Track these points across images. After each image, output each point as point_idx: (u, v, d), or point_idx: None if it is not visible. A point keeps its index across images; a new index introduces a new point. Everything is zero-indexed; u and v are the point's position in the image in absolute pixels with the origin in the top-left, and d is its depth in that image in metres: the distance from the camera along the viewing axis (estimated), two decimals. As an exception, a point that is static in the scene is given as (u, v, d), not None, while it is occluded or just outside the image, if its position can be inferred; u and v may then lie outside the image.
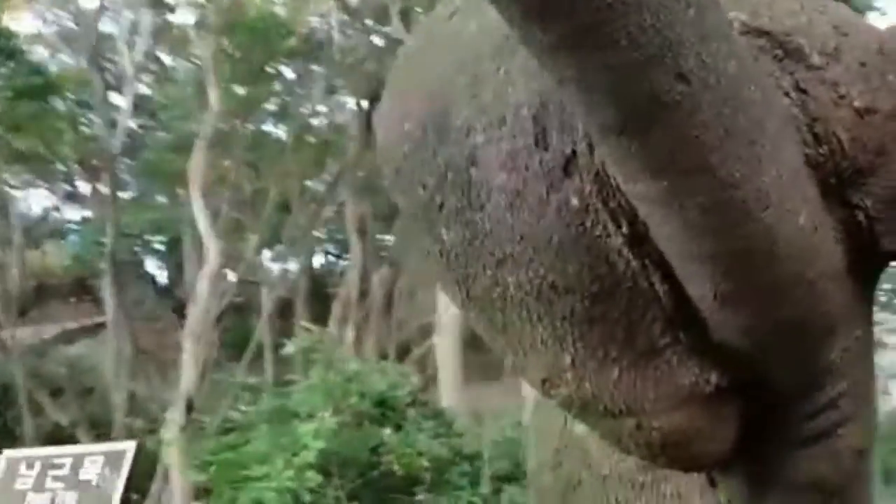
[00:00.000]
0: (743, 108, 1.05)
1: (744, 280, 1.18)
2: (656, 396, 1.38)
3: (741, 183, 1.07)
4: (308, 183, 23.14)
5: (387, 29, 19.62)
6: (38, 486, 2.93)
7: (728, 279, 1.18)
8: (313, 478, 5.36)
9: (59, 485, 2.85)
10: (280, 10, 17.30)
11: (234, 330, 18.63)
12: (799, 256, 1.18)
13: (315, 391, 5.88)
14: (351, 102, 21.87)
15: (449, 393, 8.51)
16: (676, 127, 1.01)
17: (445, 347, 10.88)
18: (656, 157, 1.04)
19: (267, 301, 17.67)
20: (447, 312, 11.59)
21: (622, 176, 1.12)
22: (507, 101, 1.29)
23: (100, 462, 2.87)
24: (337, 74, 21.32)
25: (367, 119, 20.40)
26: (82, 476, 2.93)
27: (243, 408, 6.38)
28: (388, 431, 5.90)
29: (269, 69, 18.24)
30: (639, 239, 1.23)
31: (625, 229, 1.22)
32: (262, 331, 16.92)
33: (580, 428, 1.96)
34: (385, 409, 6.26)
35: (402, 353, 17.62)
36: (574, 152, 1.23)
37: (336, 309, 20.84)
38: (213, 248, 9.71)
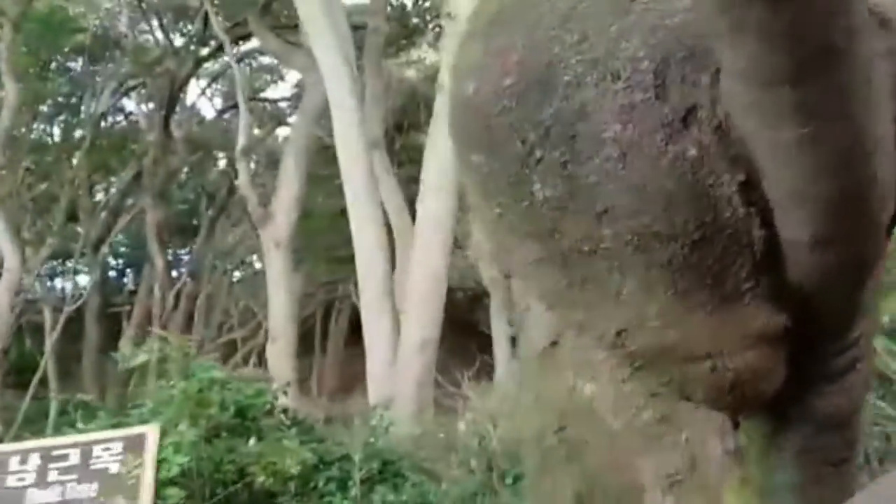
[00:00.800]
0: (872, 64, 1.20)
1: (840, 222, 1.33)
2: (734, 338, 1.50)
3: (868, 130, 1.21)
4: (99, 189, 21.40)
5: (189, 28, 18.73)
6: (41, 481, 2.48)
7: (828, 221, 1.32)
8: (176, 494, 4.99)
9: (69, 476, 2.43)
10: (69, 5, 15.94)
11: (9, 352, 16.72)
12: (881, 203, 1.36)
13: (170, 404, 5.48)
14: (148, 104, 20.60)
15: (289, 401, 8.28)
16: (839, 76, 1.13)
17: (278, 354, 10.62)
18: (813, 104, 1.15)
19: (51, 319, 16.08)
20: (281, 319, 11.32)
21: (763, 124, 1.22)
22: (622, 56, 1.34)
23: (118, 448, 2.49)
24: (131, 74, 19.96)
25: (164, 121, 19.30)
26: (95, 465, 2.52)
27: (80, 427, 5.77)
28: (252, 442, 5.65)
29: (56, 65, 16.73)
30: (750, 186, 1.34)
31: (740, 177, 1.33)
32: (49, 352, 15.38)
33: (589, 389, 2.05)
34: (245, 419, 5.99)
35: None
36: (695, 105, 1.31)
37: (132, 326, 19.42)
38: (11, 258, 8.68)
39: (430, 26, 18.55)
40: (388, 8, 14.31)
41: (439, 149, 8.39)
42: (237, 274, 23.56)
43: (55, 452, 2.10)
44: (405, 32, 18.09)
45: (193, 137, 21.19)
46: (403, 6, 17.73)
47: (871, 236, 1.40)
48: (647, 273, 1.45)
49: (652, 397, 1.92)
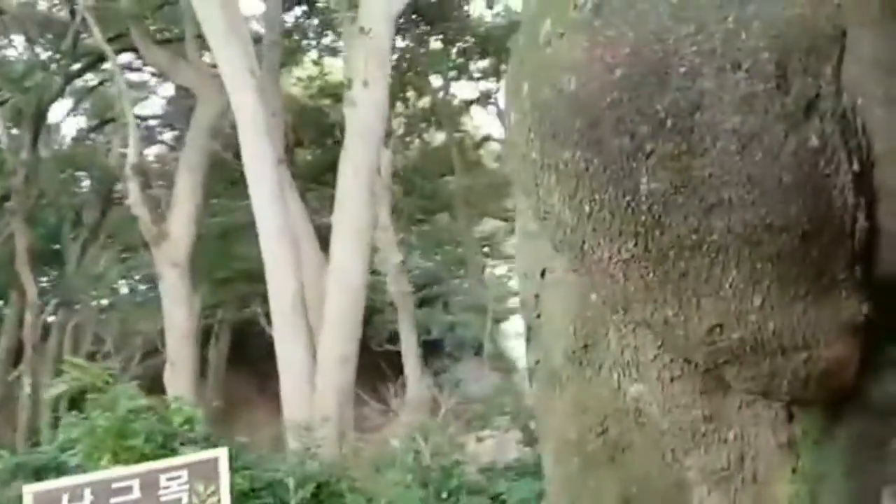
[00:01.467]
0: None
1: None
2: (829, 328, 1.52)
3: None
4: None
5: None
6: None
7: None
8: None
9: (135, 510, 2.10)
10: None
11: None
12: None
13: (88, 436, 5.05)
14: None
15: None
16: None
17: (176, 377, 10.06)
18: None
19: None
20: (179, 342, 10.73)
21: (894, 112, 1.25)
22: (741, 46, 1.34)
23: (184, 476, 2.15)
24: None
25: (33, 140, 17.99)
26: (164, 497, 2.17)
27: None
28: (181, 472, 5.28)
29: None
30: (864, 176, 1.36)
31: (856, 166, 1.35)
32: None
33: (635, 390, 2.04)
34: (167, 450, 5.60)
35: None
36: (818, 95, 1.32)
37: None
38: None
39: (316, 43, 18.32)
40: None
41: (356, 160, 8.24)
42: (106, 301, 22.10)
43: (115, 485, 1.86)
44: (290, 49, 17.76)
45: (62, 157, 19.91)
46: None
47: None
48: (754, 266, 1.44)
49: (701, 395, 1.92)
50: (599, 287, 1.73)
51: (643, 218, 1.47)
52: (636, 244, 1.51)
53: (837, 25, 1.30)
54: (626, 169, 1.43)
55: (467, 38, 15.88)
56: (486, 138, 18.81)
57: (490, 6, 15.09)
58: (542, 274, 2.35)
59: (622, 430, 2.07)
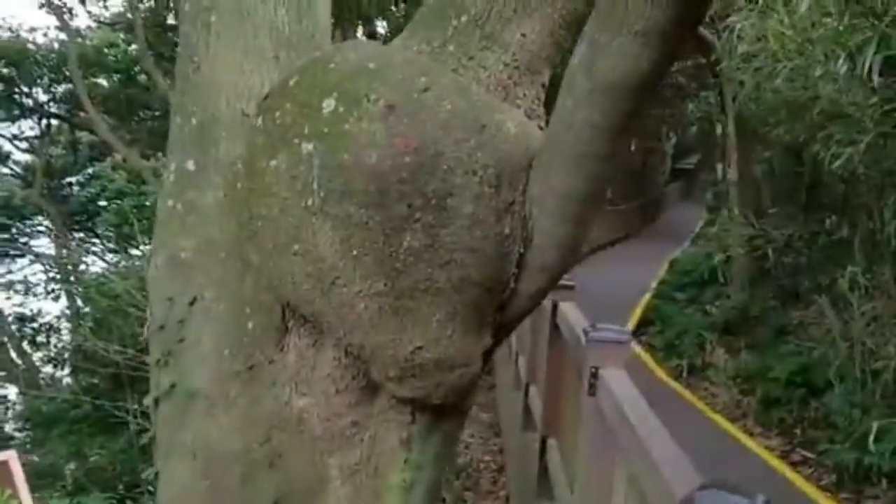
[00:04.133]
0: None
1: (549, 284, 2.27)
2: (476, 353, 2.25)
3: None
4: None
5: None
6: None
7: (549, 283, 2.25)
8: None
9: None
10: None
11: None
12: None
13: None
14: None
15: None
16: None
17: None
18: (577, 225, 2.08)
19: None
20: None
21: (546, 223, 2.08)
22: (477, 160, 2.02)
23: None
24: None
25: None
26: None
27: None
28: None
29: None
30: (522, 256, 2.15)
31: (522, 249, 2.14)
32: None
33: (302, 402, 2.46)
34: None
35: None
36: (513, 201, 2.07)
37: None
38: None
39: None
40: None
41: None
42: None
43: None
44: None
45: None
46: None
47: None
48: (454, 307, 2.10)
49: (354, 406, 2.48)
50: (334, 315, 2.14)
51: (397, 265, 2.00)
52: (385, 284, 2.02)
53: (529, 160, 2.08)
54: (397, 228, 1.95)
55: None
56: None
57: None
58: (192, 302, 2.57)
59: (283, 438, 2.45)
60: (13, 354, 15.26)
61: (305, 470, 2.47)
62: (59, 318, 17.18)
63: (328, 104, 2.02)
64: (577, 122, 1.88)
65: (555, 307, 3.90)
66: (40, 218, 22.12)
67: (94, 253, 22.95)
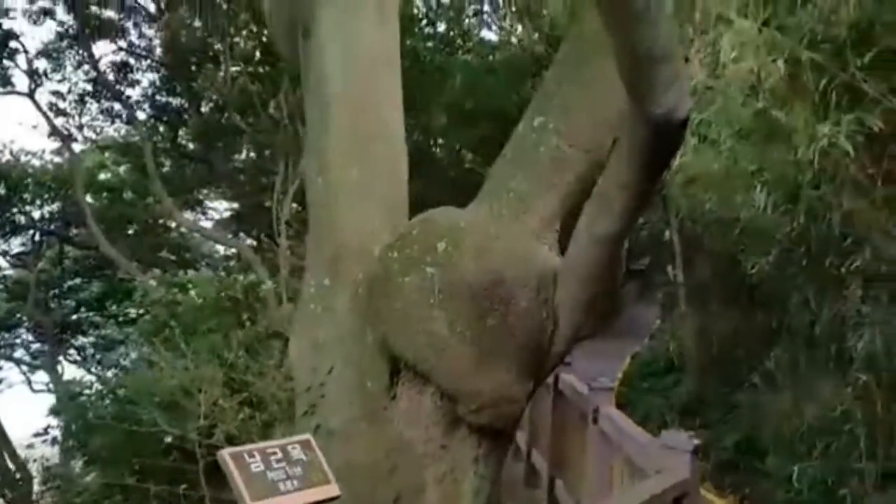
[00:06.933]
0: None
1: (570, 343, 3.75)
2: (526, 394, 3.67)
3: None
4: None
5: None
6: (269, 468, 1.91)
7: (568, 344, 3.72)
8: None
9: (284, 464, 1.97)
10: None
11: None
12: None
13: None
14: None
15: None
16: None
17: None
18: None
19: None
20: None
21: (566, 319, 3.58)
22: (529, 278, 3.51)
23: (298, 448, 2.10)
24: None
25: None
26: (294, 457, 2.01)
27: None
28: None
29: None
30: (552, 331, 3.61)
31: (552, 327, 3.60)
32: None
33: (409, 433, 3.81)
34: None
35: None
36: (547, 300, 3.56)
37: None
38: None
39: None
40: None
41: None
42: None
43: (268, 450, 2.09)
44: None
45: None
46: None
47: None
48: (515, 364, 3.52)
49: (444, 434, 3.81)
50: (440, 370, 3.54)
51: (483, 338, 3.44)
52: (475, 350, 3.45)
53: (554, 275, 3.57)
54: (482, 316, 3.41)
55: None
56: None
57: None
58: (329, 371, 3.97)
59: (397, 457, 3.77)
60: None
61: (412, 478, 3.77)
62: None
63: (441, 245, 3.51)
64: (581, 259, 3.40)
65: (556, 378, 5.34)
66: (21, 330, 23.02)
67: (75, 361, 23.83)
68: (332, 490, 2.66)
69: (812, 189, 7.04)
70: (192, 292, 10.66)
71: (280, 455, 2.56)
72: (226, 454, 2.41)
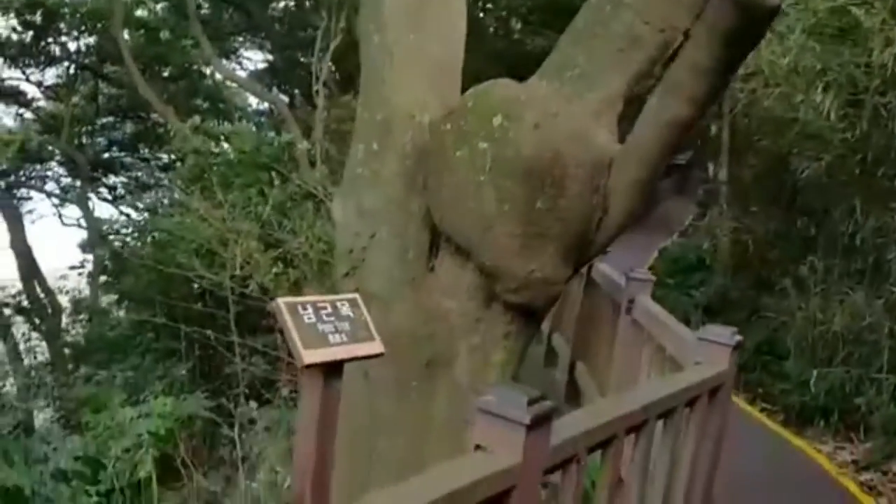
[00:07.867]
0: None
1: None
2: (565, 277, 3.65)
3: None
4: None
5: None
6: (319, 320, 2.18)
7: (627, 222, 3.66)
8: None
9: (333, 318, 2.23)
10: None
11: None
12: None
13: None
14: None
15: None
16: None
17: None
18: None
19: None
20: None
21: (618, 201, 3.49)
22: (584, 160, 3.40)
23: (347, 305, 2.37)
24: None
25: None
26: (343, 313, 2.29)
27: None
28: None
29: None
30: (604, 210, 3.55)
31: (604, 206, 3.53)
32: None
33: (447, 305, 3.83)
34: None
35: None
36: (601, 184, 3.47)
37: None
38: None
39: None
40: None
41: None
42: None
43: (318, 304, 2.26)
44: None
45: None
46: None
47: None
48: (558, 247, 3.48)
49: (478, 309, 3.84)
50: (484, 247, 3.50)
51: (531, 218, 3.38)
52: (521, 230, 3.40)
53: (609, 160, 3.45)
54: (533, 196, 3.33)
55: None
56: None
57: None
58: (373, 236, 3.95)
59: (434, 324, 3.81)
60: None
61: (447, 346, 3.84)
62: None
63: (497, 119, 3.39)
64: (646, 141, 3.27)
65: (590, 267, 5.32)
66: (52, 164, 23.17)
67: (106, 200, 24.12)
68: (377, 347, 2.74)
69: (878, 95, 6.71)
70: (226, 145, 10.61)
71: (330, 310, 2.61)
72: (281, 303, 2.46)
